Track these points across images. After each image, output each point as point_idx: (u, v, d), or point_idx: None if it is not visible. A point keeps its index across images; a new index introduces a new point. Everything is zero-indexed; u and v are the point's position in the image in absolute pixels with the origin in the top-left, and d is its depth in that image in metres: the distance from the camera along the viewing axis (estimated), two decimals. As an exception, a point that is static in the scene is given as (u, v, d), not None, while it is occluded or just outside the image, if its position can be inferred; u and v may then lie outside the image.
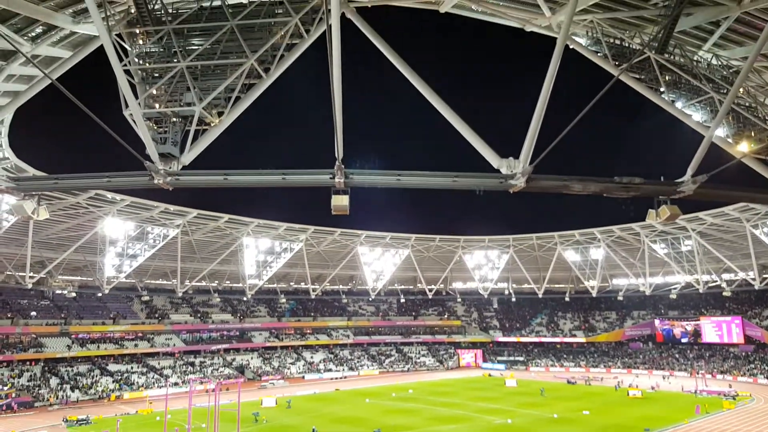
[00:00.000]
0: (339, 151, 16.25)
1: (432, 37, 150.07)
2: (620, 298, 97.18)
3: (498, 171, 17.17)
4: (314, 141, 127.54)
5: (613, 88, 15.25)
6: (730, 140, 23.40)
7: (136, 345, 78.61)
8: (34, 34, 21.63)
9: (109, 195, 57.85)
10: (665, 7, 22.31)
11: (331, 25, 15.55)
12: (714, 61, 24.85)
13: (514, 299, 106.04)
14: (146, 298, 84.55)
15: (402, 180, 17.06)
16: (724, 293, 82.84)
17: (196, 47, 19.64)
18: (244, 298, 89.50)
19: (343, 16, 18.95)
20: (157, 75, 19.52)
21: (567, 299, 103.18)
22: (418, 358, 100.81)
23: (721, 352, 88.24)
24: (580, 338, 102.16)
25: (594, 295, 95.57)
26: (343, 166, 16.34)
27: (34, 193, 18.96)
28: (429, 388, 73.74)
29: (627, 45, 24.40)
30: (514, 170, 16.70)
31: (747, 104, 24.42)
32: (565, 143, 15.39)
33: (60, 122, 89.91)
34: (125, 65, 18.94)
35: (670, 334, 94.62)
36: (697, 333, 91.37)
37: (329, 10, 15.64)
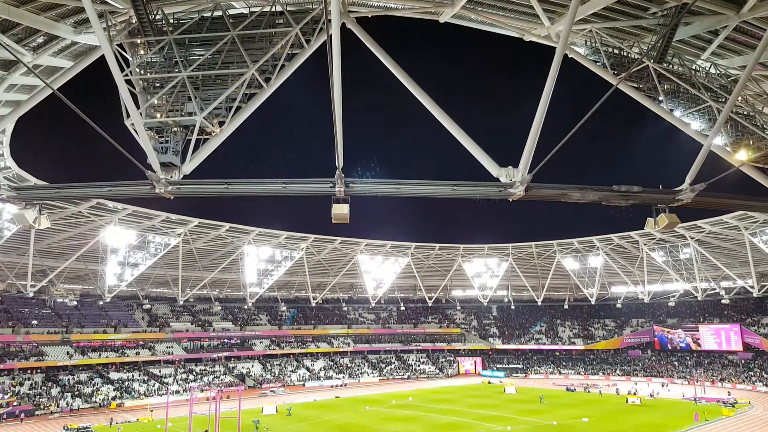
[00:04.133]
0: (339, 160, 16.32)
1: (432, 46, 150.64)
2: (619, 305, 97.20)
3: (497, 179, 17.25)
4: (315, 149, 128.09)
5: (612, 97, 15.36)
6: (728, 149, 23.45)
7: (137, 353, 78.42)
8: (35, 44, 21.77)
9: (111, 204, 57.87)
10: (664, 17, 22.44)
11: (331, 35, 15.69)
12: (712, 70, 24.98)
13: (513, 307, 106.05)
14: (147, 306, 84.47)
15: (401, 189, 17.12)
16: (723, 301, 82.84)
17: (197, 57, 19.77)
18: (245, 306, 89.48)
19: (343, 26, 19.12)
20: (158, 85, 19.63)
21: (566, 307, 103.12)
22: (418, 366, 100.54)
23: (720, 359, 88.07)
24: (579, 346, 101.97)
25: (593, 302, 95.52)
26: (343, 175, 16.41)
27: (35, 202, 19.03)
28: (429, 396, 73.50)
29: (626, 54, 24.53)
30: (513, 179, 16.76)
31: (745, 113, 24.52)
32: (565, 151, 15.48)
33: (61, 131, 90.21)
34: (126, 75, 19.08)
35: (668, 341, 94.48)
36: (695, 341, 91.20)
37: (329, 21, 15.75)
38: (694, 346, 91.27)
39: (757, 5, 19.76)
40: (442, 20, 23.64)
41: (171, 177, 17.59)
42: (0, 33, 19.90)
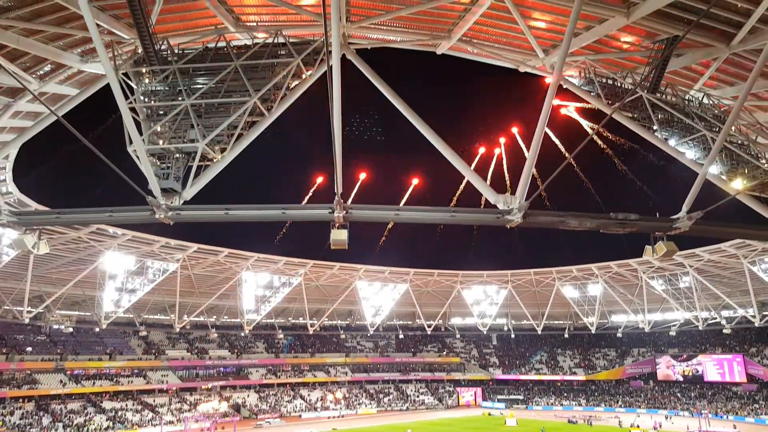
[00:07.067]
0: (338, 186, 16.54)
1: (430, 74, 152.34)
2: (619, 334, 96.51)
3: (495, 206, 17.45)
4: (313, 176, 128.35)
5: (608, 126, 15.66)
6: (724, 177, 23.72)
7: (131, 381, 77.49)
8: (42, 72, 22.19)
9: (111, 229, 57.87)
10: (656, 49, 22.95)
11: (331, 66, 16.04)
12: (705, 100, 25.40)
13: (513, 335, 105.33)
14: (143, 333, 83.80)
15: (400, 215, 17.32)
16: (724, 330, 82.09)
17: (201, 86, 20.12)
18: (242, 334, 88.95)
19: (343, 57, 19.53)
20: (161, 112, 19.93)
21: (566, 336, 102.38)
22: (417, 396, 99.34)
23: (724, 391, 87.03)
24: (580, 376, 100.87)
25: (593, 331, 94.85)
26: (342, 201, 16.61)
27: (35, 227, 19.18)
28: (429, 428, 72.50)
29: (619, 84, 24.99)
30: (511, 206, 16.97)
31: (739, 142, 24.84)
32: (562, 179, 15.71)
33: (64, 157, 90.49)
34: (131, 103, 19.36)
35: (670, 372, 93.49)
36: (698, 371, 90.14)
37: (330, 52, 16.15)
38: (696, 377, 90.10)
39: (746, 38, 20.27)
40: (439, 52, 24.17)
41: (171, 202, 17.76)
42: (8, 61, 20.31)
